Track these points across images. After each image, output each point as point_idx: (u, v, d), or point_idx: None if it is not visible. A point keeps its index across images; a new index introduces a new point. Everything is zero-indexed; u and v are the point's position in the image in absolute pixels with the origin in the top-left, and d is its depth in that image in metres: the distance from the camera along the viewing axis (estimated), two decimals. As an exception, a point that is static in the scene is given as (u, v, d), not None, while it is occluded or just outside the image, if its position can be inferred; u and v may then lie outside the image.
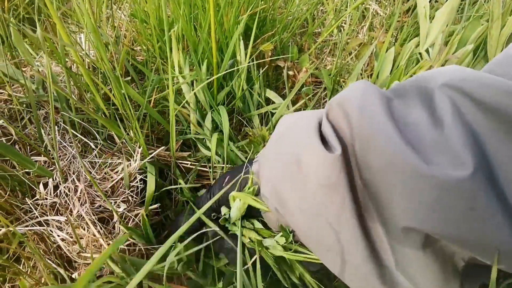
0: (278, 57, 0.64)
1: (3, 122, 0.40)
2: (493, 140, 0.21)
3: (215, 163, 0.47)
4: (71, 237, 0.37)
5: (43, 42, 0.36)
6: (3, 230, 0.33)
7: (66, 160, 0.41)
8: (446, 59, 0.56)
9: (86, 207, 0.37)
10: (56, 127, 0.43)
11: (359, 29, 0.78)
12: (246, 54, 0.54)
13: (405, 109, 0.25)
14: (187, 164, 0.49)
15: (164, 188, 0.45)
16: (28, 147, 0.41)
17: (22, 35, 0.47)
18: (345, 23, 0.78)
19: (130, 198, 0.41)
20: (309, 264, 0.33)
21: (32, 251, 0.34)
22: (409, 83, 0.26)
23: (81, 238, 0.37)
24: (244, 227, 0.35)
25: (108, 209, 0.39)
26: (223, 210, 0.36)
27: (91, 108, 0.48)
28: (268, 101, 0.58)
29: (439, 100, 0.23)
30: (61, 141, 0.42)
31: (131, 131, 0.44)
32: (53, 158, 0.40)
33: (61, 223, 0.37)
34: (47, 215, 0.37)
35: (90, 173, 0.40)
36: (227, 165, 0.45)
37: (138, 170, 0.42)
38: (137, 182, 0.42)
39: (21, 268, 0.36)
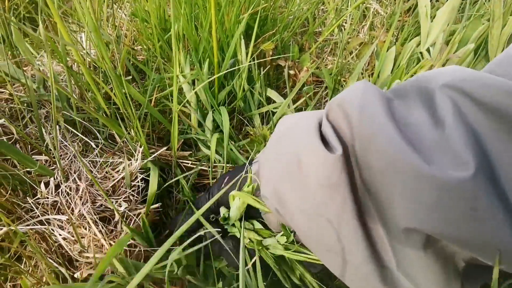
0: (279, 56, 0.64)
1: (4, 121, 0.40)
2: (494, 140, 0.21)
3: (215, 163, 0.47)
4: (73, 236, 0.37)
5: (45, 41, 0.36)
6: (5, 229, 0.33)
7: (67, 159, 0.41)
8: (447, 59, 0.56)
9: (87, 206, 0.37)
10: (57, 126, 0.43)
11: (360, 29, 0.78)
12: (247, 54, 0.54)
13: (405, 110, 0.25)
14: (188, 163, 0.49)
15: (166, 184, 0.45)
16: (29, 146, 0.41)
17: (23, 34, 0.47)
18: (346, 23, 0.78)
19: (131, 197, 0.41)
20: (310, 265, 0.33)
21: (34, 250, 0.35)
22: (410, 83, 0.26)
23: (82, 237, 0.37)
24: (244, 227, 0.35)
25: (109, 208, 0.39)
26: (222, 210, 0.36)
27: (92, 107, 0.48)
28: (269, 101, 0.58)
29: (439, 101, 0.23)
30: (62, 140, 0.42)
31: (132, 130, 0.44)
32: (54, 157, 0.40)
33: (62, 222, 0.37)
34: (48, 214, 0.37)
35: (91, 172, 0.40)
36: (227, 165, 0.46)
37: (139, 169, 0.42)
38: (138, 181, 0.42)
39: (22, 267, 0.36)
